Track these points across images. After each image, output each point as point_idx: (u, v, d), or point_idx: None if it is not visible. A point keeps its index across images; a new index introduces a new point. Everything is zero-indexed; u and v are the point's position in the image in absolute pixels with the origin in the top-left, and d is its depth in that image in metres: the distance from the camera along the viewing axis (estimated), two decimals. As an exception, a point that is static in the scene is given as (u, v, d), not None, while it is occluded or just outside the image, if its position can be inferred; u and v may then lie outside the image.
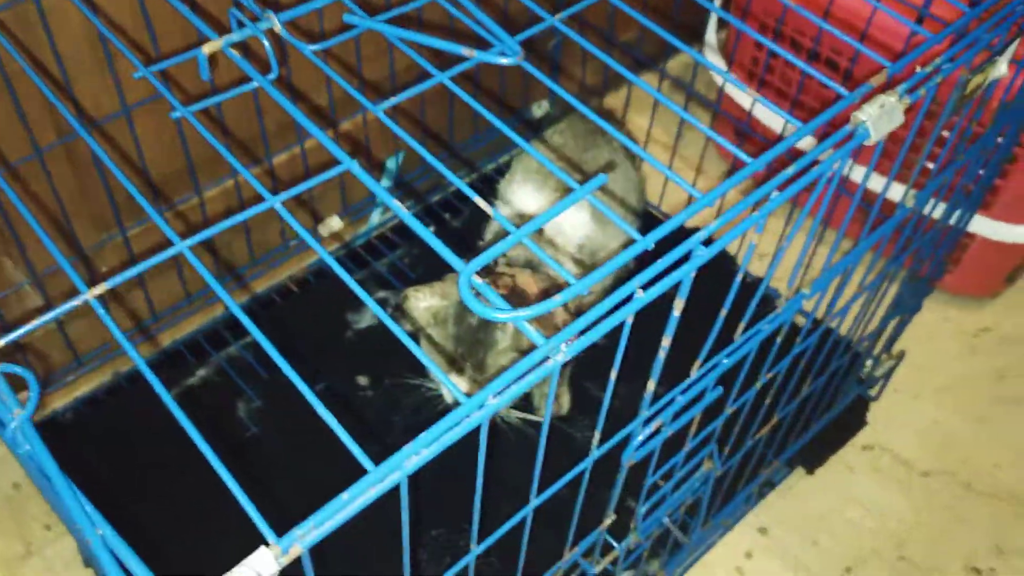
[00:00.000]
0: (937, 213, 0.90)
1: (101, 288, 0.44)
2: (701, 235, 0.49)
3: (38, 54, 0.88)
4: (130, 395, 1.09)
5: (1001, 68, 0.68)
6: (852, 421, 1.15)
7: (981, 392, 1.22)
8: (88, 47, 0.91)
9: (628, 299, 0.47)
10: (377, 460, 0.40)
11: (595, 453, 0.59)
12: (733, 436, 0.83)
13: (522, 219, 1.02)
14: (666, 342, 0.55)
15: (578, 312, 0.93)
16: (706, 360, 0.63)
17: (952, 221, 0.95)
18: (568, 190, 1.05)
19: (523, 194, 1.04)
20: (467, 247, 1.13)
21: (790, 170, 0.53)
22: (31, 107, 0.89)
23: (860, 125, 0.55)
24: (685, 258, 0.50)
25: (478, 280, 0.46)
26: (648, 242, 0.48)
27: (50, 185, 0.95)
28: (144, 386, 1.11)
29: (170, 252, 0.46)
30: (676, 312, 0.53)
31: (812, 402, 0.99)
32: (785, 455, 1.05)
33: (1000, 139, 0.89)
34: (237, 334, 1.14)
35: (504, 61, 0.54)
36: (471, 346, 0.87)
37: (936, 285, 1.29)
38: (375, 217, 1.29)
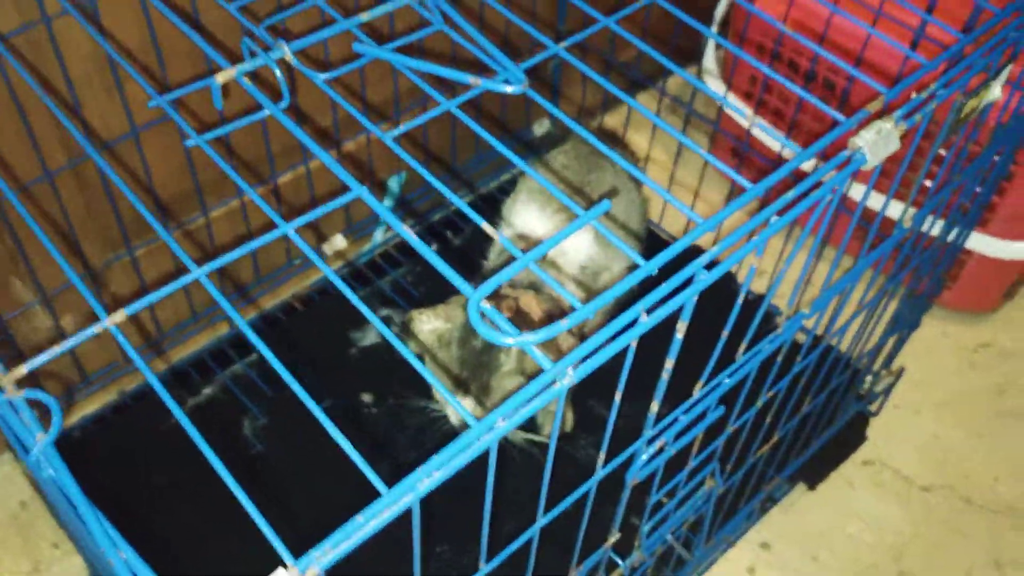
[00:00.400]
0: (935, 231, 0.92)
1: (120, 315, 0.45)
2: (703, 260, 0.51)
3: (48, 77, 0.90)
4: (136, 413, 1.10)
5: (995, 91, 0.70)
6: (852, 437, 1.16)
7: (980, 407, 1.23)
8: (97, 70, 0.92)
9: (632, 324, 0.48)
10: (384, 478, 0.41)
11: (599, 473, 0.60)
12: (735, 454, 0.84)
13: (525, 239, 1.03)
14: (669, 364, 0.56)
15: (581, 334, 0.94)
16: (708, 380, 0.64)
17: (950, 238, 0.97)
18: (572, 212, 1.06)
19: (527, 215, 1.05)
20: (469, 265, 1.14)
21: (789, 195, 0.54)
22: (41, 129, 0.91)
23: (857, 151, 0.56)
24: (688, 282, 0.51)
25: (487, 305, 0.47)
26: (652, 267, 0.49)
27: (59, 206, 0.96)
28: (150, 405, 1.13)
29: (187, 279, 0.48)
30: (679, 335, 0.54)
31: (812, 419, 1.00)
32: (786, 471, 1.05)
33: (996, 158, 0.90)
34: (242, 352, 1.15)
35: (509, 90, 0.56)
36: (475, 369, 0.88)
37: (935, 301, 1.30)
38: (378, 235, 1.30)
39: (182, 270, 1.07)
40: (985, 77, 0.68)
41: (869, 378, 1.15)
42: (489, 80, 0.57)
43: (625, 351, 0.50)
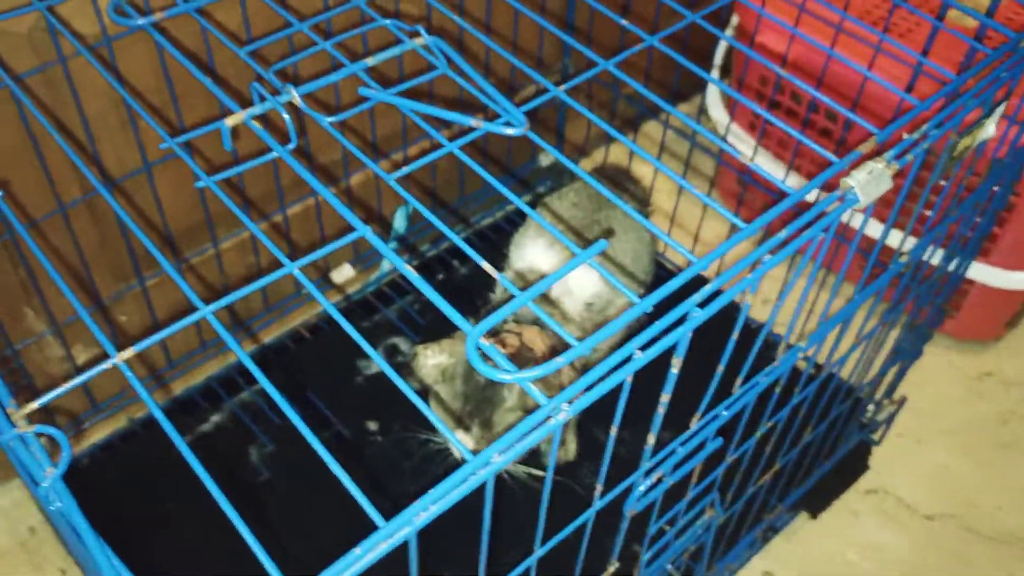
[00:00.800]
0: (935, 261, 0.93)
1: (129, 352, 0.47)
2: (696, 298, 0.52)
3: (64, 114, 0.92)
4: (144, 441, 1.11)
5: (989, 130, 0.71)
6: (855, 465, 1.16)
7: (985, 436, 1.23)
8: (112, 107, 0.95)
9: (627, 360, 0.50)
10: (385, 509, 0.42)
11: (596, 505, 0.61)
12: (735, 483, 0.85)
13: (533, 274, 1.04)
14: (665, 399, 0.57)
15: (584, 369, 0.95)
16: (705, 412, 0.65)
17: (950, 269, 0.98)
18: (579, 247, 1.07)
19: (534, 250, 1.06)
20: (476, 295, 1.16)
21: (782, 234, 0.55)
22: (55, 163, 0.93)
23: (849, 190, 0.58)
24: (682, 319, 0.52)
25: (485, 342, 0.48)
26: (647, 305, 0.51)
27: (72, 238, 0.99)
28: (158, 432, 1.13)
29: (195, 317, 0.49)
30: (674, 370, 0.56)
31: (814, 448, 1.01)
32: (788, 500, 1.06)
33: (996, 189, 0.91)
34: (250, 380, 1.16)
35: (510, 132, 0.57)
36: (478, 404, 0.89)
37: (938, 330, 1.31)
38: (386, 265, 1.32)
39: (192, 303, 1.10)
40: (979, 116, 0.69)
41: (871, 407, 1.15)
42: (491, 122, 0.58)
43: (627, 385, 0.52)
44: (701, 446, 0.68)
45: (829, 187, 0.62)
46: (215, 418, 1.13)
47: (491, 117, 0.59)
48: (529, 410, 0.91)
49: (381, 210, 1.27)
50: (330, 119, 0.59)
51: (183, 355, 1.17)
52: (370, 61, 0.62)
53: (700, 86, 1.43)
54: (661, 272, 1.29)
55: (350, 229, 1.11)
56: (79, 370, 1.08)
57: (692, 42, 1.18)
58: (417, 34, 0.64)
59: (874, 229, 1.22)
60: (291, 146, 0.58)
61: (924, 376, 1.27)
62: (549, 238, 1.05)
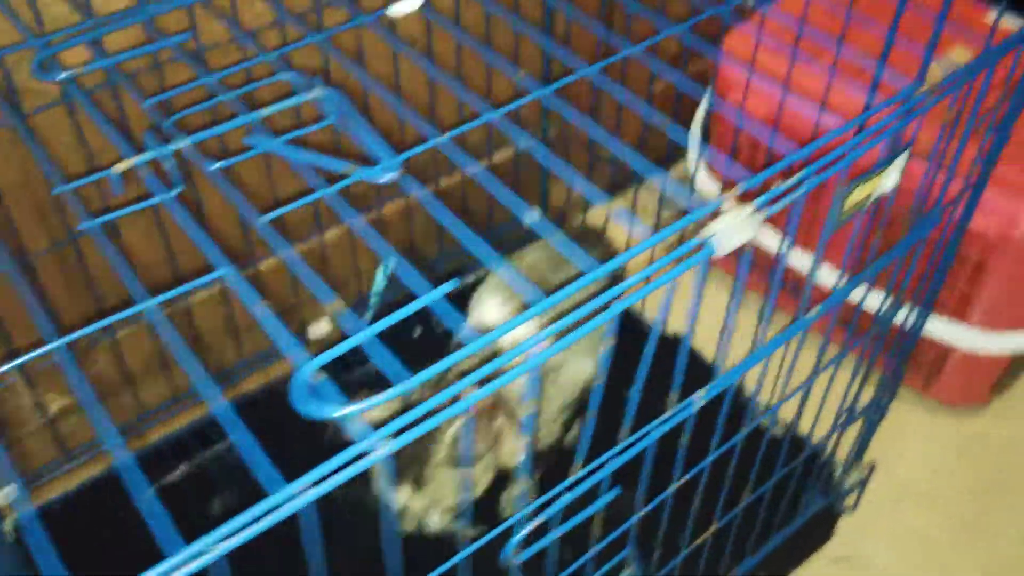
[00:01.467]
0: (874, 307, 0.90)
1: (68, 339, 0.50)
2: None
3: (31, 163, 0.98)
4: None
5: (888, 181, 0.71)
6: (816, 533, 1.13)
7: (964, 502, 1.19)
8: (80, 158, 1.00)
9: (456, 399, 0.51)
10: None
11: (467, 550, 0.61)
12: (659, 541, 0.83)
13: (483, 329, 1.06)
14: (526, 439, 0.58)
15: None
16: (592, 458, 0.65)
17: (899, 321, 0.96)
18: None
19: (491, 305, 1.09)
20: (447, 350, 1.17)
21: (632, 279, 0.56)
22: (21, 214, 0.98)
23: (709, 238, 0.58)
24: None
25: (320, 378, 0.50)
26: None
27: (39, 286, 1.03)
28: (146, 469, 1.16)
29: (135, 308, 0.52)
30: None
31: (763, 509, 0.98)
32: (744, 567, 1.03)
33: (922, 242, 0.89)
34: (251, 417, 1.19)
35: (381, 180, 0.60)
36: (409, 460, 0.89)
37: (924, 394, 1.28)
38: (368, 315, 1.35)
39: (165, 356, 1.15)
40: (871, 165, 0.69)
41: (838, 472, 1.12)
42: (365, 168, 0.61)
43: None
44: (593, 493, 0.68)
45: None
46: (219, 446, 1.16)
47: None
48: (461, 464, 0.91)
49: (357, 266, 1.30)
50: (214, 166, 0.62)
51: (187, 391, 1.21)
52: (264, 112, 0.65)
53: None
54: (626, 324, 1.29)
55: (335, 280, 1.14)
56: (51, 421, 1.11)
57: (681, 106, 1.20)
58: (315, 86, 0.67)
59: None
60: (175, 191, 0.61)
61: (905, 439, 1.24)
62: (503, 296, 1.07)
